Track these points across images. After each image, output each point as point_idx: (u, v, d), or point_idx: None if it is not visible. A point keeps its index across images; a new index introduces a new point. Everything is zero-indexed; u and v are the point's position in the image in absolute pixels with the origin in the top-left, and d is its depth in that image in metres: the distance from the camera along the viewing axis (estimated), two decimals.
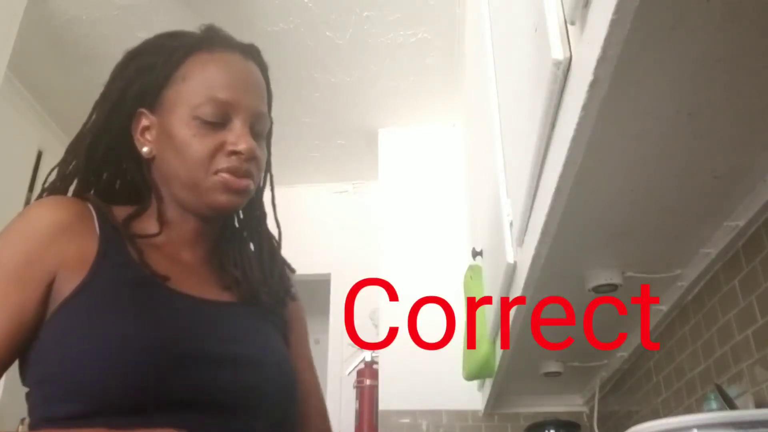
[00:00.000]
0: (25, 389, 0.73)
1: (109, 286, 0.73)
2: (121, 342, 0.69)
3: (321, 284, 3.44)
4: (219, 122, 0.81)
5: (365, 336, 3.05)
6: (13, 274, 0.71)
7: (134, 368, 0.68)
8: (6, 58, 2.20)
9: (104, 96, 0.87)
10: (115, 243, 0.77)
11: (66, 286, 0.72)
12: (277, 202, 0.96)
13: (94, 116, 0.86)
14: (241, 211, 0.93)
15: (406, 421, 2.62)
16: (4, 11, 2.20)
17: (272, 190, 0.95)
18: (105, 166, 0.87)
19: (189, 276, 0.82)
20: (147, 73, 0.84)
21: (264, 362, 0.80)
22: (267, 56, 0.92)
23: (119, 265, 0.76)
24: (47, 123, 3.10)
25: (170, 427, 0.64)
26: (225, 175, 0.80)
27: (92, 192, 0.85)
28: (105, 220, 0.79)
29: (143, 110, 0.84)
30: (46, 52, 2.74)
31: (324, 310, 3.43)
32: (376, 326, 3.00)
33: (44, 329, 0.71)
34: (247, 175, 0.82)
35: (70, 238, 0.75)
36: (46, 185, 0.85)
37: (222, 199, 0.81)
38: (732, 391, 1.15)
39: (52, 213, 0.76)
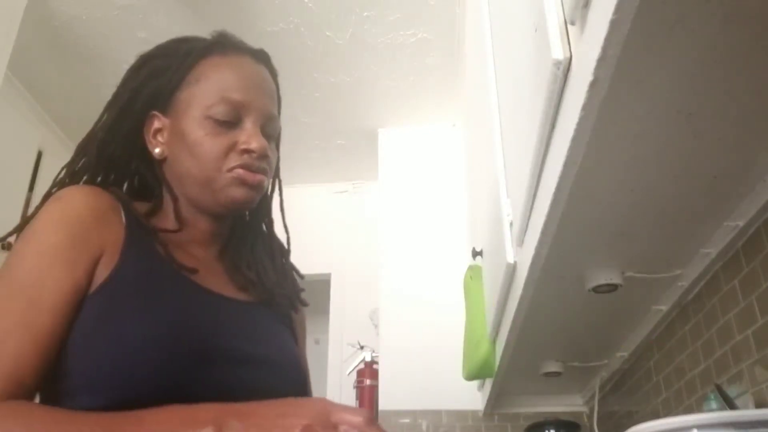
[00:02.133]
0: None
1: (138, 279, 0.74)
2: (151, 337, 0.69)
3: (321, 284, 3.45)
4: (231, 122, 0.83)
5: (365, 336, 3.05)
6: (64, 255, 0.71)
7: (162, 362, 0.68)
8: (6, 58, 2.20)
9: (116, 97, 0.88)
10: (141, 235, 0.78)
11: (100, 275, 0.72)
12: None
13: (105, 116, 0.87)
14: (248, 215, 0.94)
15: (406, 421, 2.62)
16: (4, 11, 2.20)
17: (281, 194, 0.96)
18: (114, 167, 0.88)
19: (209, 273, 0.83)
20: (160, 76, 0.86)
21: (282, 363, 0.81)
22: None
23: (146, 258, 0.77)
24: (47, 123, 3.10)
25: None
26: (239, 171, 0.82)
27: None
28: (130, 212, 0.80)
29: (155, 113, 0.86)
30: (46, 52, 2.74)
31: (324, 310, 3.43)
32: (376, 326, 3.00)
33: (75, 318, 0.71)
34: (260, 171, 0.84)
35: (107, 225, 0.76)
36: (56, 181, 0.85)
37: (237, 193, 0.82)
38: (732, 391, 1.15)
39: (90, 199, 0.77)
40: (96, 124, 0.87)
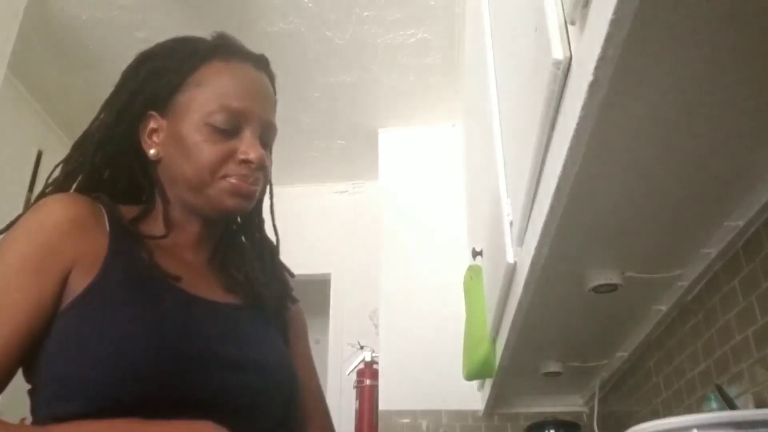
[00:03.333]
0: (27, 387, 0.73)
1: (121, 286, 0.73)
2: (133, 342, 0.69)
3: (321, 284, 3.45)
4: (230, 130, 0.82)
5: (365, 336, 3.05)
6: (33, 265, 0.71)
7: (145, 369, 0.68)
8: (6, 59, 2.20)
9: (114, 96, 0.87)
10: (126, 243, 0.78)
11: (78, 284, 0.72)
12: (277, 201, 0.98)
13: (102, 115, 0.87)
14: (239, 217, 0.93)
15: (406, 421, 2.62)
16: (4, 11, 2.20)
17: (271, 198, 0.96)
18: (109, 166, 0.88)
19: (196, 278, 0.83)
20: (160, 77, 0.85)
21: (269, 366, 0.81)
22: (267, 56, 0.93)
23: (130, 265, 0.76)
24: (47, 123, 3.10)
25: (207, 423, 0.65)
26: (233, 180, 0.82)
27: (95, 191, 0.85)
28: (115, 219, 0.79)
29: (153, 113, 0.85)
30: (46, 53, 2.74)
31: (324, 310, 3.43)
32: (376, 326, 3.00)
33: (54, 326, 0.71)
34: (255, 182, 0.84)
35: (85, 235, 0.75)
36: (50, 181, 0.85)
37: (230, 202, 0.82)
38: (732, 391, 1.15)
39: (67, 208, 0.76)
40: (93, 122, 0.87)
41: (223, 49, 0.88)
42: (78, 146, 0.87)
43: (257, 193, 0.85)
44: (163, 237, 0.83)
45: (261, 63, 0.90)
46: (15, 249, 0.73)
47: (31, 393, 0.72)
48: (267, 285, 0.90)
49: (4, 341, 0.68)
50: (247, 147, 0.82)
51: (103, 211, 0.80)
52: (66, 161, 0.86)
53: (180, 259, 0.84)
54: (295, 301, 0.96)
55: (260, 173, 0.84)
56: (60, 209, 0.76)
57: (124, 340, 0.69)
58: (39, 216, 0.75)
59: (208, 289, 0.83)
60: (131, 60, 0.90)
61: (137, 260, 0.77)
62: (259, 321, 0.86)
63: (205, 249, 0.88)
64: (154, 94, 0.85)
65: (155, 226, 0.84)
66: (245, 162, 0.82)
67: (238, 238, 0.93)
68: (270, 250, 0.95)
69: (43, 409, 0.70)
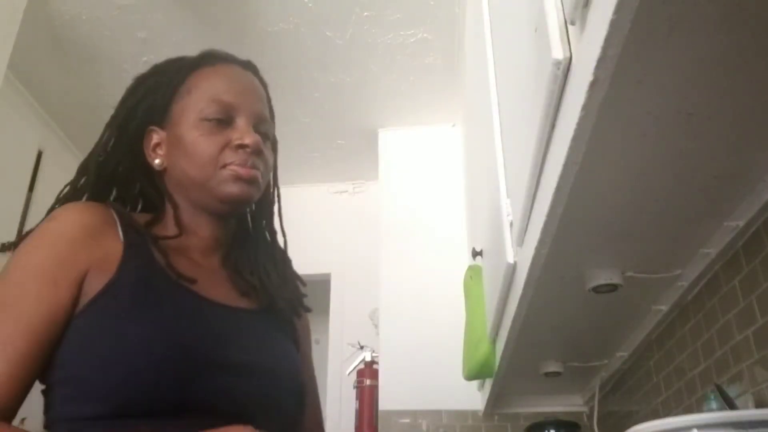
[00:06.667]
0: (41, 387, 0.73)
1: (135, 288, 0.74)
2: (146, 346, 0.69)
3: (321, 284, 3.44)
4: (223, 120, 0.85)
5: (365, 336, 3.05)
6: (47, 274, 0.73)
7: (158, 372, 0.68)
8: (6, 58, 2.20)
9: (114, 116, 0.91)
10: (140, 246, 0.79)
11: (92, 287, 0.73)
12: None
13: (105, 135, 0.90)
14: (250, 221, 0.95)
15: (406, 421, 2.62)
16: (4, 11, 2.20)
17: (279, 203, 0.98)
18: (115, 184, 0.90)
19: (210, 281, 0.83)
20: (154, 93, 0.89)
21: (280, 372, 0.82)
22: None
23: (145, 267, 0.77)
24: (47, 123, 3.10)
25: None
26: (233, 167, 0.84)
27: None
28: (128, 224, 0.81)
29: (153, 128, 0.88)
30: (46, 52, 2.74)
31: (324, 310, 3.43)
32: (376, 326, 3.00)
33: (70, 328, 0.72)
34: (254, 166, 0.85)
35: (98, 241, 0.77)
36: (59, 198, 0.87)
37: (234, 189, 0.84)
38: (732, 391, 1.15)
39: (80, 216, 0.78)
40: (96, 144, 0.90)
41: (209, 57, 0.92)
42: (83, 167, 0.89)
43: (259, 178, 0.87)
44: (177, 236, 0.85)
45: (248, 66, 0.95)
46: (29, 259, 0.75)
47: (45, 393, 0.73)
48: (282, 292, 0.91)
49: (23, 356, 0.68)
50: (242, 133, 0.85)
51: (115, 216, 0.81)
52: (73, 181, 0.89)
53: (193, 262, 0.85)
54: (308, 309, 0.97)
55: (258, 158, 0.86)
56: (72, 218, 0.78)
57: (136, 343, 0.69)
58: (53, 225, 0.77)
59: (221, 292, 0.83)
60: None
61: (152, 263, 0.78)
62: (272, 326, 0.87)
63: (217, 252, 0.89)
64: (150, 109, 0.89)
65: (167, 231, 0.86)
66: (241, 147, 0.84)
67: (250, 243, 0.94)
68: (282, 258, 0.97)
69: (55, 409, 0.70)
